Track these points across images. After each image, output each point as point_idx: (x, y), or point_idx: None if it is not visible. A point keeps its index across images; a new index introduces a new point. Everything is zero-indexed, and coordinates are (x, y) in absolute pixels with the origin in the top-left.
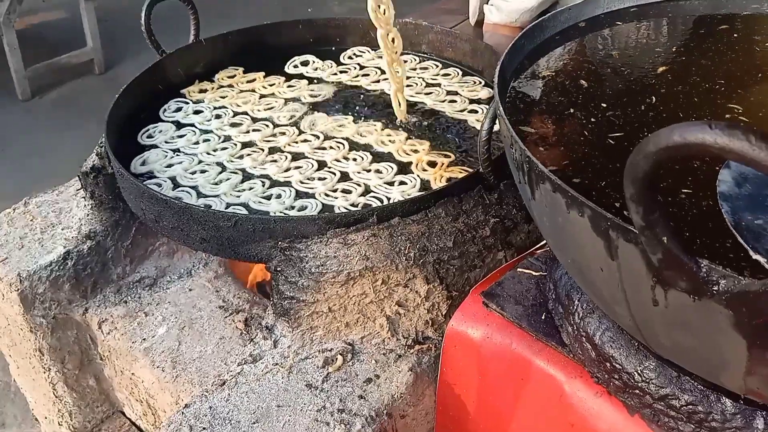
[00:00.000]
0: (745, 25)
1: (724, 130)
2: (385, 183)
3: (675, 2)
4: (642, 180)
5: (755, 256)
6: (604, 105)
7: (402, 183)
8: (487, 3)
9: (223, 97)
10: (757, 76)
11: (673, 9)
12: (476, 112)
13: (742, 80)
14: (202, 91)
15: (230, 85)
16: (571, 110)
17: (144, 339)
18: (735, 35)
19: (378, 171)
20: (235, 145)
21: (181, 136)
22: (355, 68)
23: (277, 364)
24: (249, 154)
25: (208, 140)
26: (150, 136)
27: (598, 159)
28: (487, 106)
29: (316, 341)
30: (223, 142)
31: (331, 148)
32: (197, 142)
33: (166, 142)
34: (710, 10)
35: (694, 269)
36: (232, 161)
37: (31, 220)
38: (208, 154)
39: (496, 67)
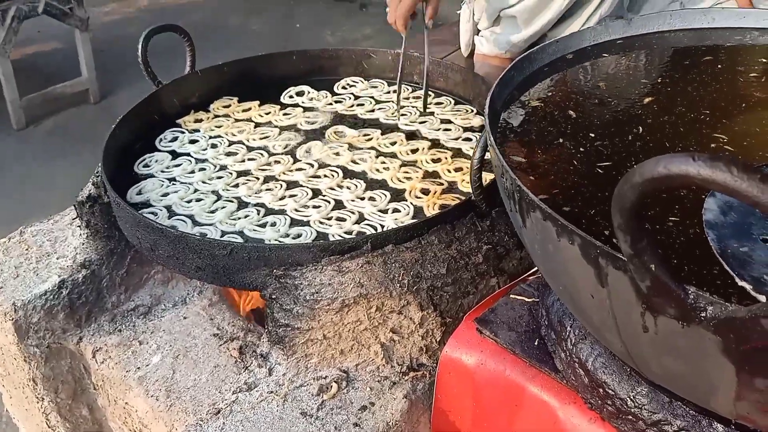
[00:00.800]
0: (728, 57)
1: (707, 162)
2: (378, 210)
3: (660, 34)
4: (629, 210)
5: (741, 283)
6: (593, 135)
7: (396, 210)
8: (477, 35)
9: (218, 127)
10: (741, 106)
11: (658, 41)
12: (470, 140)
13: (727, 110)
14: (197, 120)
15: (226, 115)
16: (560, 140)
17: (138, 368)
18: (719, 66)
19: (372, 198)
20: (231, 173)
21: (177, 166)
22: (350, 98)
23: (272, 392)
24: (244, 183)
25: (204, 169)
26: (146, 166)
27: (587, 188)
28: (480, 134)
29: (311, 369)
30: (218, 171)
31: (325, 176)
32: (193, 171)
33: (162, 172)
34: (695, 42)
35: (681, 296)
36: (227, 190)
37: (27, 250)
38: (204, 182)
39: (486, 98)
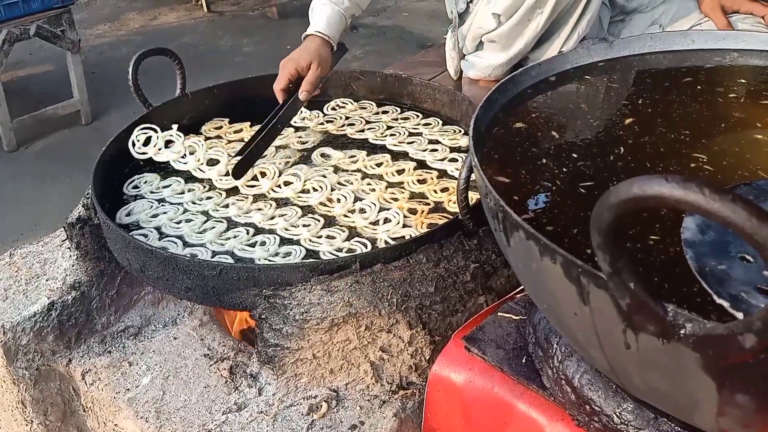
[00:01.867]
0: (707, 78)
1: (680, 183)
2: (369, 223)
3: (641, 56)
4: (607, 230)
5: (719, 301)
6: (575, 155)
7: (387, 221)
8: (463, 59)
9: (211, 148)
10: (720, 126)
11: (638, 63)
12: (455, 160)
13: (706, 130)
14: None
15: (218, 137)
16: (544, 160)
17: (128, 389)
18: (698, 87)
19: (362, 210)
20: (220, 194)
21: (166, 186)
22: (340, 118)
23: (261, 412)
24: (234, 203)
25: (193, 190)
26: (136, 187)
27: (570, 207)
28: (466, 155)
29: (300, 388)
30: (208, 191)
31: (314, 189)
32: (182, 192)
33: (151, 193)
34: (675, 64)
35: (661, 313)
36: (217, 210)
37: (16, 272)
38: (194, 203)
39: (471, 120)
